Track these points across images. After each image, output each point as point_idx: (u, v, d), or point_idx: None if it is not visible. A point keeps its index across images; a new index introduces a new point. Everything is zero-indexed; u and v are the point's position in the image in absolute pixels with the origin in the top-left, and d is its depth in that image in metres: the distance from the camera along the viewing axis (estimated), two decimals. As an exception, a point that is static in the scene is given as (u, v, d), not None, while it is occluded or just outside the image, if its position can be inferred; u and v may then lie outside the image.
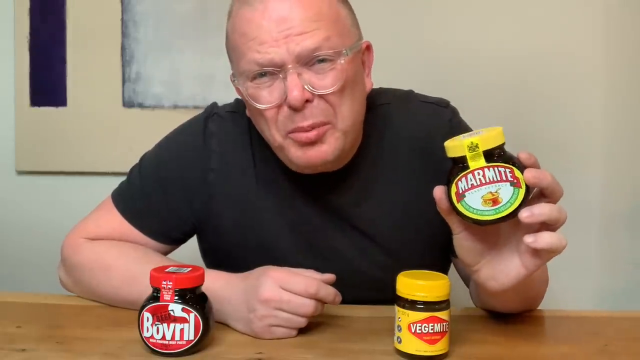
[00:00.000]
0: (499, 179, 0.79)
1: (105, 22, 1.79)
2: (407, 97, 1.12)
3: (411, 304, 0.84)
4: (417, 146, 1.07)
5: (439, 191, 0.84)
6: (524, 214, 0.79)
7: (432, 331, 0.84)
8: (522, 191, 0.79)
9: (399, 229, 1.07)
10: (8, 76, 1.81)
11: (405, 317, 0.85)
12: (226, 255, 1.09)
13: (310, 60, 0.94)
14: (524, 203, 0.79)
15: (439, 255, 1.10)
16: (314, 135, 0.96)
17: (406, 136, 1.08)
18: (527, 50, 1.72)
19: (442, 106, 1.11)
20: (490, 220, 0.80)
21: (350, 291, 0.99)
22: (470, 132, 0.84)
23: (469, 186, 0.80)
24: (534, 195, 0.82)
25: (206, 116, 1.13)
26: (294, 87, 0.93)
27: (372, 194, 1.07)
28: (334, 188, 1.06)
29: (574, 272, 1.71)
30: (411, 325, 0.84)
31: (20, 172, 1.85)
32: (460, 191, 0.80)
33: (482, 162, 0.79)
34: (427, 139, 1.07)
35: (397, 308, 0.86)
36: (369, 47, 1.05)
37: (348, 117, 0.98)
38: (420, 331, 0.84)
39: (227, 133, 1.10)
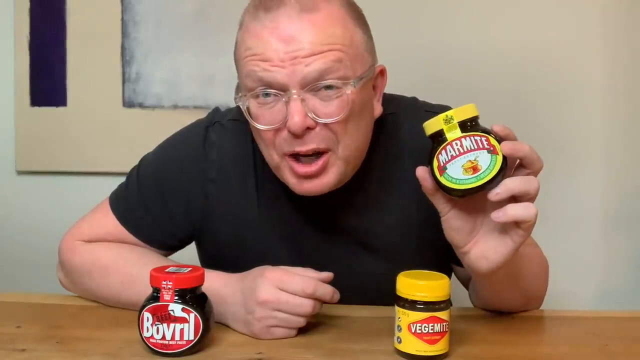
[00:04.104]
0: (476, 147, 0.82)
1: (105, 22, 1.79)
2: (412, 107, 1.10)
3: (411, 304, 0.84)
4: (421, 157, 1.05)
5: (421, 171, 0.86)
6: (492, 194, 0.82)
7: (432, 331, 0.84)
8: (500, 158, 0.82)
9: (403, 242, 1.06)
10: (8, 76, 1.82)
11: (405, 317, 0.85)
12: (224, 265, 1.05)
13: (316, 87, 0.91)
14: (503, 170, 0.82)
15: (440, 265, 1.09)
16: (315, 170, 0.94)
17: (411, 147, 1.05)
18: (526, 50, 1.72)
19: None
20: (472, 187, 0.82)
21: (350, 302, 1.00)
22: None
23: (449, 157, 0.83)
24: (514, 167, 0.85)
25: (207, 125, 1.11)
26: (296, 113, 0.90)
27: (376, 208, 1.06)
28: (337, 204, 1.04)
29: (574, 272, 1.71)
30: (411, 325, 0.84)
31: (20, 172, 1.85)
32: (442, 164, 0.83)
33: (458, 132, 0.83)
34: None
35: (397, 308, 0.86)
36: (382, 72, 1.02)
37: (350, 146, 0.96)
38: (420, 331, 0.84)
39: (229, 144, 1.09)
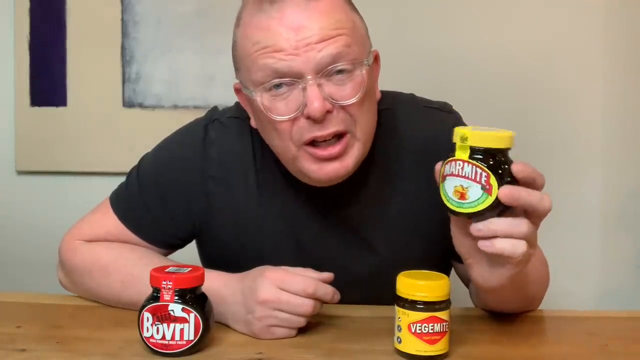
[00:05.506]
0: (472, 177, 0.79)
1: (105, 22, 1.79)
2: (410, 102, 1.11)
3: (411, 304, 0.84)
4: (421, 153, 1.05)
5: (437, 165, 0.85)
6: (474, 228, 0.80)
7: (432, 331, 0.84)
8: (491, 199, 0.78)
9: (403, 238, 1.06)
10: (8, 76, 1.81)
11: (405, 317, 0.85)
12: (225, 263, 1.06)
13: (329, 71, 0.92)
14: (491, 210, 0.79)
15: (440, 261, 1.09)
16: (337, 151, 0.95)
17: (410, 143, 1.06)
18: (526, 50, 1.72)
19: (445, 111, 1.10)
20: (452, 211, 0.81)
21: (351, 298, 1.00)
22: (483, 127, 0.83)
23: (449, 172, 0.81)
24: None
25: (206, 123, 1.11)
26: (315, 99, 0.91)
27: (377, 203, 1.06)
28: (338, 198, 1.04)
29: (574, 272, 1.71)
30: (411, 325, 0.84)
31: (20, 172, 1.85)
32: (445, 173, 0.82)
33: (465, 155, 0.80)
34: (430, 146, 1.04)
35: (397, 308, 0.86)
36: (377, 57, 1.03)
37: (366, 127, 0.97)
38: (420, 331, 0.84)
39: (228, 140, 1.09)
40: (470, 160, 0.79)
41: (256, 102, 0.96)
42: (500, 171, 0.79)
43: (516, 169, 0.79)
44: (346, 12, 0.96)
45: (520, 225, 0.79)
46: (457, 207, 0.80)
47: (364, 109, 0.96)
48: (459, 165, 0.80)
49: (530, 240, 0.81)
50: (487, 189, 0.78)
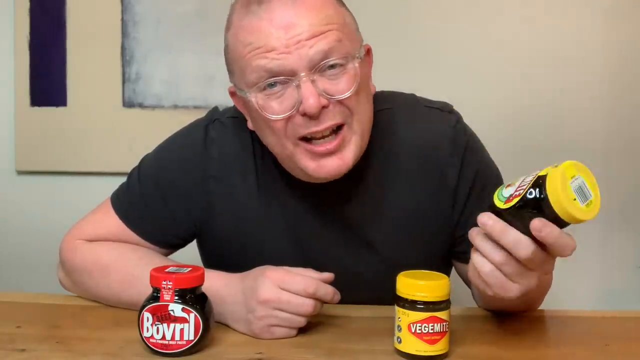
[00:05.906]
0: (519, 183, 0.79)
1: (105, 22, 1.79)
2: (411, 102, 1.11)
3: (411, 304, 0.84)
4: (421, 153, 1.06)
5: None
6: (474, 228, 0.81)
7: (432, 331, 0.84)
8: (499, 206, 0.80)
9: (402, 237, 1.06)
10: (8, 76, 1.82)
11: (405, 317, 0.85)
12: (226, 262, 1.07)
13: (322, 67, 0.93)
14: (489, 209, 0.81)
15: (440, 261, 1.10)
16: (335, 145, 0.95)
17: (410, 143, 1.06)
18: (527, 51, 1.72)
19: (446, 111, 1.09)
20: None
21: (351, 297, 1.00)
22: (583, 191, 0.79)
23: (521, 180, 0.80)
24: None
25: (207, 122, 1.11)
26: (310, 95, 0.91)
27: (376, 202, 1.06)
28: (337, 196, 1.05)
29: (574, 272, 1.71)
30: (411, 325, 0.84)
31: (20, 172, 1.85)
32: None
33: (542, 173, 0.78)
34: (431, 146, 1.05)
35: (397, 308, 0.86)
36: (369, 51, 1.03)
37: (362, 119, 0.97)
38: (420, 331, 0.84)
39: (229, 140, 1.09)
40: (533, 178, 0.78)
41: (251, 102, 0.96)
42: (530, 209, 0.77)
43: (533, 225, 0.76)
44: (335, 7, 0.96)
45: (494, 253, 0.79)
46: (501, 185, 0.82)
47: (359, 102, 0.96)
48: (536, 172, 0.78)
49: (509, 274, 0.79)
50: (508, 199, 0.79)
